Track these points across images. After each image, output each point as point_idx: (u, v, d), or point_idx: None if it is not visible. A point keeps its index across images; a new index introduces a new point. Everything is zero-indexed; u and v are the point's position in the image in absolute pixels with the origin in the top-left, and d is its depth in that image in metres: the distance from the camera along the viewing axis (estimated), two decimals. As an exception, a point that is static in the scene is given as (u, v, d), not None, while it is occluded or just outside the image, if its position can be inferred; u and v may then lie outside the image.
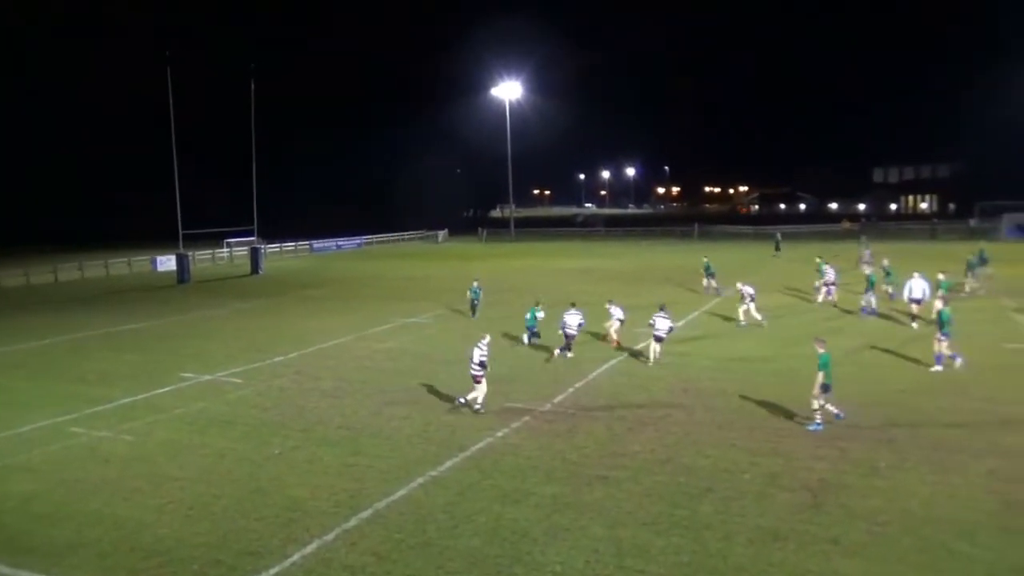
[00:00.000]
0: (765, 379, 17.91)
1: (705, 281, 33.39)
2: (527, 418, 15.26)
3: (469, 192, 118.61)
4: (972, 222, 73.96)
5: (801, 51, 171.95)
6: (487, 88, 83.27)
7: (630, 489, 11.56)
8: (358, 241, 75.03)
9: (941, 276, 24.70)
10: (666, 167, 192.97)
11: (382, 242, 78.32)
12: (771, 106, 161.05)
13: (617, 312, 22.20)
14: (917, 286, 23.74)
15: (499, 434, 14.29)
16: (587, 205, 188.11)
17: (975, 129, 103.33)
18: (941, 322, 18.11)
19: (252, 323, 28.73)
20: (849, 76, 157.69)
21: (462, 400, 15.85)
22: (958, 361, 18.14)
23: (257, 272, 49.26)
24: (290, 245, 66.83)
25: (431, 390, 17.61)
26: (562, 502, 11.20)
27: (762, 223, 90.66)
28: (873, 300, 26.19)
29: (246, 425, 15.41)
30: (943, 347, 18.18)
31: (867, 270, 28.87)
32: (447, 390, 17.46)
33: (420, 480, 12.17)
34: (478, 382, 15.58)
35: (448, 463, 12.86)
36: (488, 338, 15.98)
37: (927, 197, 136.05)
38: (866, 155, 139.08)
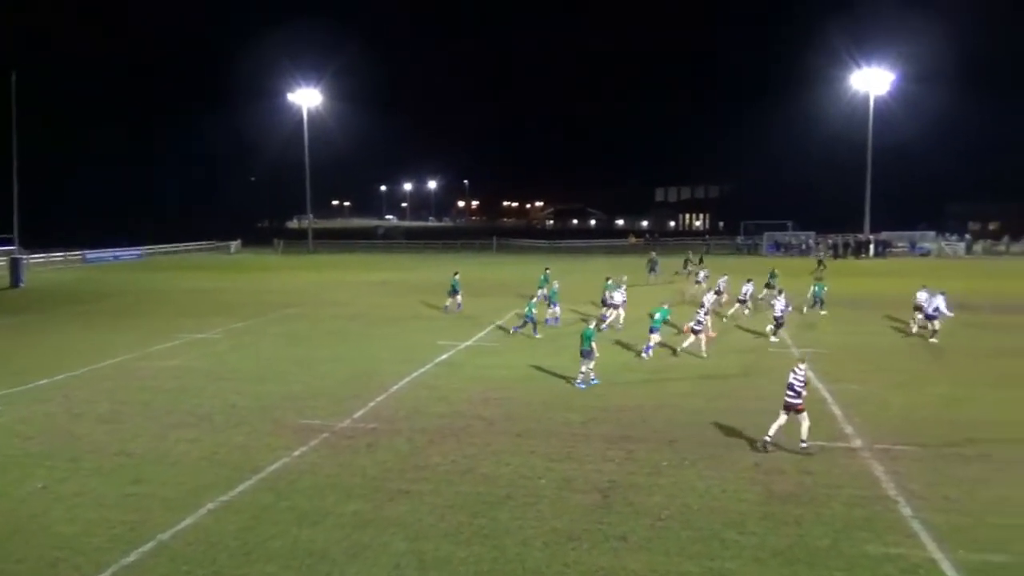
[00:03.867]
0: (562, 387, 18.66)
1: (449, 300, 31.48)
2: (326, 435, 14.85)
3: (265, 201, 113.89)
4: (739, 239, 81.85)
5: (593, 80, 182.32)
6: (284, 93, 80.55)
7: (432, 501, 11.58)
8: (139, 251, 69.47)
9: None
10: (466, 181, 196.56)
11: (167, 252, 73.16)
12: (566, 126, 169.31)
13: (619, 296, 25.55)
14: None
15: (295, 453, 13.78)
16: (388, 217, 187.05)
17: (740, 155, 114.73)
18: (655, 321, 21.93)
19: (11, 342, 25.71)
20: (634, 102, 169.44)
21: (768, 438, 13.73)
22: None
23: (18, 285, 44.11)
24: (58, 255, 60.57)
25: (221, 411, 16.64)
26: (363, 519, 10.99)
27: (556, 237, 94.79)
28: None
29: (3, 457, 13.72)
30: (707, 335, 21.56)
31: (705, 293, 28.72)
32: (239, 410, 16.60)
33: (210, 506, 11.44)
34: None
35: (241, 487, 12.20)
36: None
37: (701, 215, 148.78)
38: (649, 176, 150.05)
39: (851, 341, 24.24)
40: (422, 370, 20.56)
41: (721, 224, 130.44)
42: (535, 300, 25.86)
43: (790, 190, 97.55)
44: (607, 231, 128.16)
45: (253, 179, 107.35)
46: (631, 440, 14.37)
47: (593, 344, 18.37)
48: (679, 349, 22.28)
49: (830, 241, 70.07)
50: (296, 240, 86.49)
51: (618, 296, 27.10)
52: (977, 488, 11.84)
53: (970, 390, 18.01)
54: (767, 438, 13.73)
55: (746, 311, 29.23)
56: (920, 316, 25.75)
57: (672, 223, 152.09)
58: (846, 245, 69.22)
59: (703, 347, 21.84)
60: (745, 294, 28.92)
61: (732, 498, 11.61)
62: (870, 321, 28.60)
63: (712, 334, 22.45)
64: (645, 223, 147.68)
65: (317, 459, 13.52)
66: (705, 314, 22.44)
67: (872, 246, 68.48)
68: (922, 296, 25.90)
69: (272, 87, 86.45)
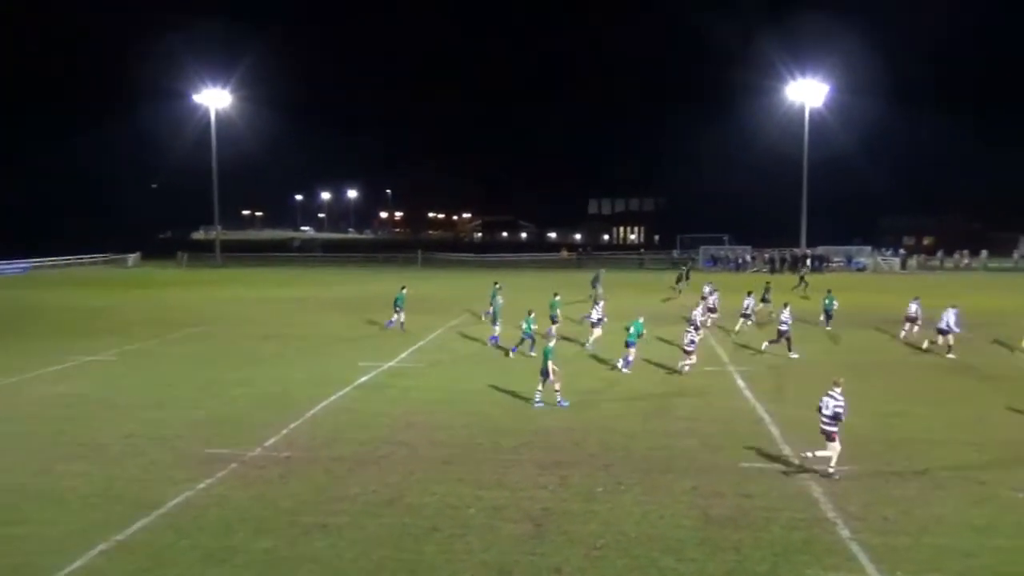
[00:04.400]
0: (491, 410, 18.64)
1: (394, 316, 31.08)
2: (234, 465, 14.45)
3: (167, 211, 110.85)
4: (675, 253, 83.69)
5: (526, 88, 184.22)
6: (189, 94, 78.66)
7: (351, 536, 11.38)
8: (24, 265, 66.58)
9: (557, 297, 29.18)
10: (388, 191, 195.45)
11: (56, 266, 70.34)
12: (495, 135, 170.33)
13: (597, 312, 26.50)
14: (946, 317, 25.48)
15: (200, 486, 13.36)
16: (304, 229, 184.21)
17: (676, 167, 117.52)
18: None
19: None
20: (568, 112, 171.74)
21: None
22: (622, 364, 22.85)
23: None
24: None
25: (115, 441, 16.03)
26: (276, 556, 10.72)
27: (485, 251, 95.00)
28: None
29: None
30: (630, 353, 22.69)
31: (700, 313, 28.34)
32: (135, 439, 16.03)
33: (102, 546, 10.97)
34: (832, 439, 13.66)
35: (137, 524, 11.75)
36: (842, 384, 14.02)
37: (635, 228, 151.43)
38: (582, 187, 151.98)
39: (786, 360, 24.93)
40: (341, 393, 20.25)
41: (657, 238, 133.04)
42: (532, 316, 25.70)
43: (726, 203, 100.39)
44: (539, 244, 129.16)
45: (155, 186, 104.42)
46: (564, 465, 14.44)
47: (551, 363, 18.46)
48: (681, 367, 22.77)
49: (767, 256, 72.20)
50: (202, 253, 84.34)
51: (595, 313, 27.51)
52: (914, 508, 12.31)
53: (906, 407, 18.75)
54: (831, 469, 13.77)
55: (748, 324, 30.56)
56: (910, 326, 27.91)
57: (606, 236, 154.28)
58: (783, 260, 71.44)
59: (688, 366, 22.62)
60: (747, 308, 30.51)
61: (669, 524, 11.78)
62: (808, 339, 29.49)
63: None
64: (578, 236, 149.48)
65: (224, 492, 13.14)
66: (696, 330, 23.33)
67: (809, 261, 70.81)
68: (913, 307, 28.15)
69: (175, 87, 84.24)
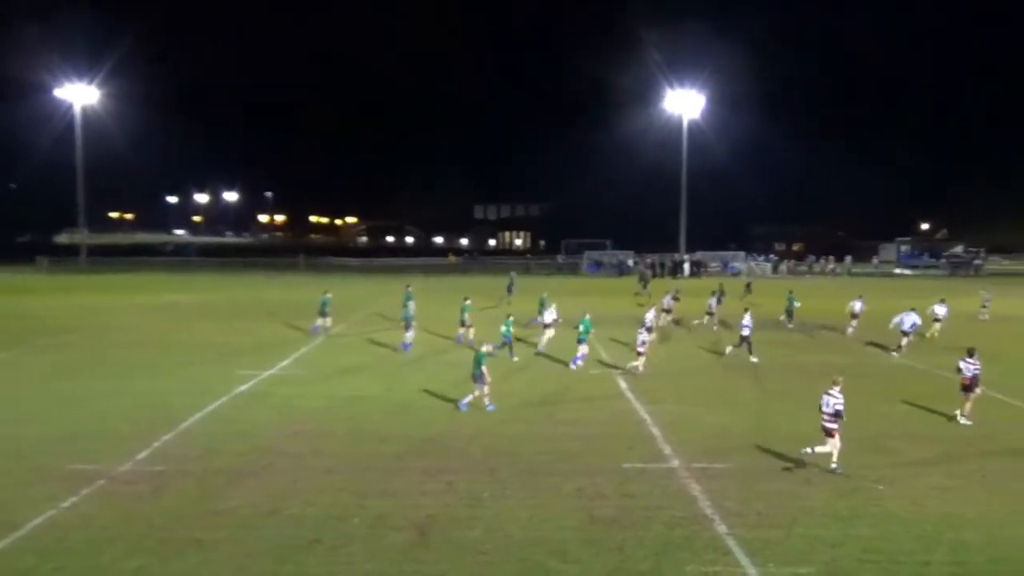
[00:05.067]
0: (377, 417, 18.40)
1: (319, 321, 31.18)
2: (101, 481, 13.69)
3: (27, 212, 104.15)
4: (560, 258, 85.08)
5: (412, 92, 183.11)
6: (50, 89, 74.21)
7: (229, 551, 10.98)
8: None
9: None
10: (269, 193, 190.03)
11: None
12: (381, 138, 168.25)
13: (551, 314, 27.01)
14: (908, 319, 27.61)
15: (64, 505, 12.59)
16: (178, 232, 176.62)
17: (560, 173, 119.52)
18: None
19: None
20: (454, 117, 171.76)
21: (808, 451, 14.38)
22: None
23: None
24: None
25: (-31, 458, 14.91)
26: (147, 575, 10.23)
27: (370, 255, 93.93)
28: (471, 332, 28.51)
29: None
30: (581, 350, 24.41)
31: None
32: (-8, 456, 14.97)
33: (-49, 574, 10.18)
34: (831, 436, 14.23)
35: (-8, 548, 10.96)
36: (841, 382, 14.61)
37: (521, 234, 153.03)
38: (468, 192, 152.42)
39: (668, 361, 25.73)
40: (218, 403, 19.53)
41: (542, 243, 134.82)
42: (512, 319, 26.38)
43: (609, 209, 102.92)
44: (425, 249, 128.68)
45: (13, 186, 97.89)
46: (450, 471, 14.40)
47: (484, 368, 18.54)
48: (632, 367, 23.53)
49: (648, 260, 74.40)
50: (66, 257, 79.61)
51: (548, 315, 27.75)
52: (785, 501, 12.91)
53: (778, 406, 19.66)
54: (833, 465, 14.29)
55: (715, 327, 32.89)
56: (855, 323, 31.46)
57: (492, 241, 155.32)
58: (662, 264, 73.83)
59: (641, 366, 23.31)
60: (711, 307, 33.67)
61: (555, 526, 11.92)
62: (686, 340, 30.56)
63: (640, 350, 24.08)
64: (465, 241, 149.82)
65: (91, 510, 12.43)
66: (648, 331, 24.32)
67: (687, 266, 73.49)
68: (857, 305, 31.76)
69: (35, 81, 79.24)
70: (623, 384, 22.15)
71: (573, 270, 78.07)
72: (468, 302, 29.33)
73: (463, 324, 28.72)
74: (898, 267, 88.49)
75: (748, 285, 45.99)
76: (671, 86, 76.29)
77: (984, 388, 18.55)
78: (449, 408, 19.22)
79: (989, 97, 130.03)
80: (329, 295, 31.58)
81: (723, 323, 33.09)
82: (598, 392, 21.19)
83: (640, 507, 12.68)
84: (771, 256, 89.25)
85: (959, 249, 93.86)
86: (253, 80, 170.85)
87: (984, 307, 36.33)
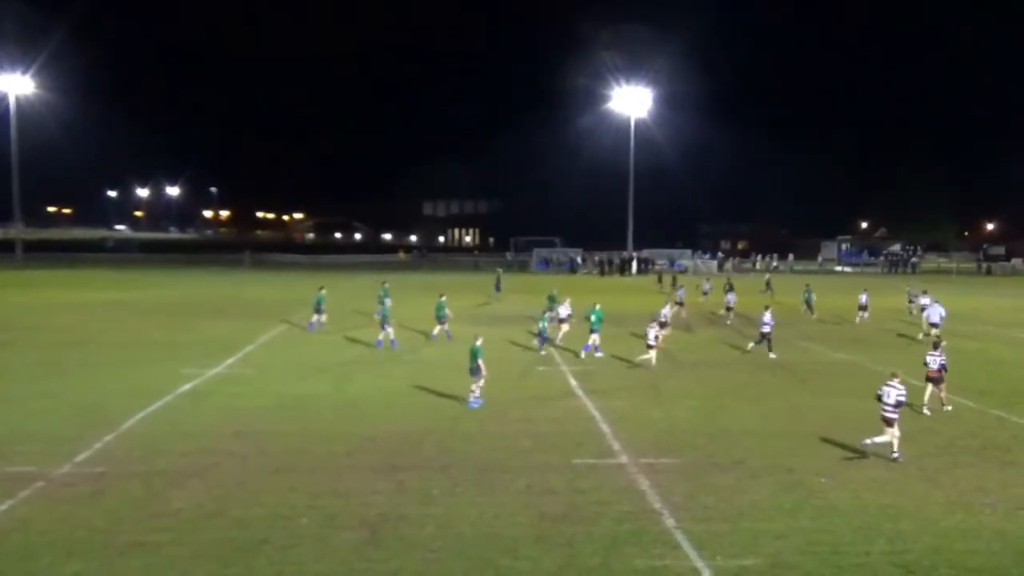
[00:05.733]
0: (326, 415, 18.21)
1: (315, 317, 31.01)
2: (39, 484, 13.29)
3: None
4: (509, 255, 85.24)
5: (359, 86, 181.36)
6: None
7: (173, 553, 10.76)
8: None
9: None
10: (214, 188, 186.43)
11: None
12: (329, 132, 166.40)
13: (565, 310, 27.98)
14: (935, 312, 29.68)
15: (1, 508, 12.20)
16: (119, 227, 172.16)
17: (509, 169, 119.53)
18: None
19: None
20: (402, 111, 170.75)
21: (868, 441, 15.10)
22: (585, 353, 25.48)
23: None
24: None
25: (-103, 461, 14.34)
26: (87, 581, 9.96)
27: (318, 252, 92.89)
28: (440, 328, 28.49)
29: None
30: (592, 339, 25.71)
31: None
32: (-78, 459, 14.42)
33: None
34: (891, 425, 14.90)
35: (-77, 555, 10.57)
36: (900, 376, 15.35)
37: (470, 231, 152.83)
38: (417, 188, 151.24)
39: (619, 358, 25.95)
40: (161, 403, 19.11)
41: (491, 240, 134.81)
42: (548, 315, 27.62)
43: (558, 206, 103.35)
44: (374, 246, 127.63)
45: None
46: (401, 469, 14.32)
47: (480, 361, 18.72)
48: (639, 360, 24.28)
49: (596, 258, 75.00)
50: (1, 253, 77.10)
51: (563, 310, 28.83)
52: (732, 495, 13.14)
53: (724, 402, 19.99)
54: (895, 453, 14.90)
55: (728, 321, 35.24)
56: (864, 314, 34.85)
57: (441, 238, 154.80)
58: (610, 262, 74.46)
59: (653, 360, 23.96)
60: (730, 302, 35.84)
61: (506, 523, 11.95)
62: (635, 338, 30.84)
63: (662, 345, 25.35)
64: (414, 238, 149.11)
65: (28, 513, 12.06)
66: (662, 326, 25.77)
67: (635, 263, 74.23)
68: (863, 297, 35.01)
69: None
70: (573, 382, 22.29)
71: (522, 267, 78.30)
72: (444, 299, 29.52)
73: (439, 321, 28.93)
74: (839, 265, 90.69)
75: (768, 283, 46.80)
76: (619, 84, 76.90)
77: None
78: (400, 406, 19.13)
79: (929, 98, 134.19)
80: (324, 291, 31.69)
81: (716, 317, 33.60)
82: (549, 390, 21.27)
83: (590, 503, 12.77)
84: (718, 254, 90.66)
85: (897, 247, 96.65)
86: (198, 72, 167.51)
87: (912, 303, 37.97)
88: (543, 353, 26.22)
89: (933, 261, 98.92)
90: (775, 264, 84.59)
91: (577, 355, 25.77)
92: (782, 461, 14.93)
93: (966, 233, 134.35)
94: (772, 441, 16.37)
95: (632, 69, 77.84)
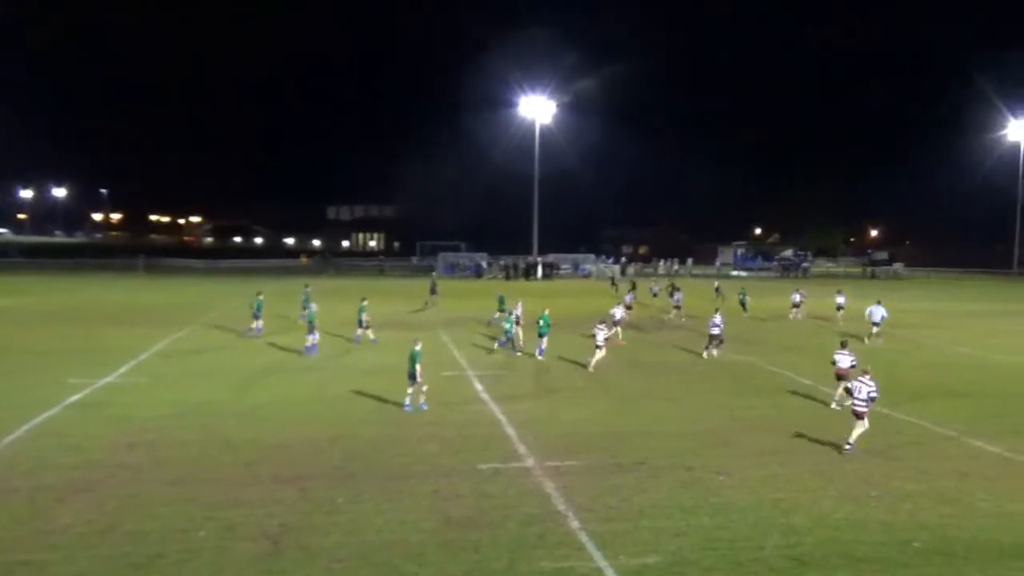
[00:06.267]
0: (226, 424, 17.68)
1: (254, 323, 30.91)
2: (-89, 504, 12.45)
3: None
4: (414, 260, 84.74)
5: (260, 87, 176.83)
6: None
7: (61, 571, 10.25)
8: None
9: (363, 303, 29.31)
10: (104, 190, 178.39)
11: None
12: (227, 133, 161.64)
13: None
14: (876, 312, 31.98)
15: None
16: (0, 230, 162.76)
17: (415, 173, 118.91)
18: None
19: None
20: (305, 114, 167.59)
21: (849, 445, 15.88)
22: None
23: None
24: None
25: None
26: (-35, 605, 9.39)
27: (216, 256, 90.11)
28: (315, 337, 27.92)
29: None
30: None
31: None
32: None
33: None
34: (861, 418, 15.89)
35: None
36: (871, 371, 16.38)
37: (375, 235, 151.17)
38: (320, 192, 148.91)
39: (525, 361, 26.16)
40: (47, 415, 18.16)
41: (397, 244, 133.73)
42: (514, 316, 28.08)
43: (464, 211, 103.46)
44: (275, 250, 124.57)
45: None
46: (305, 478, 14.05)
47: (418, 366, 18.74)
48: (590, 364, 24.78)
49: (502, 263, 75.37)
50: None
51: (516, 311, 28.91)
52: (634, 495, 13.42)
53: (627, 404, 20.40)
54: (848, 445, 15.86)
55: (683, 319, 37.43)
56: (839, 314, 37.18)
57: (346, 242, 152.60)
58: (516, 266, 74.96)
59: (594, 361, 24.67)
60: (677, 301, 38.45)
61: (411, 529, 11.87)
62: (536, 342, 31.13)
63: (621, 342, 27.76)
64: (316, 242, 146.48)
65: None
66: (609, 327, 26.74)
67: (540, 268, 74.97)
68: (840, 299, 37.71)
69: None
70: (479, 386, 22.33)
71: (428, 272, 77.94)
72: (366, 303, 29.39)
73: (361, 325, 28.93)
74: (735, 269, 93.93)
75: (718, 288, 47.81)
76: (524, 91, 77.59)
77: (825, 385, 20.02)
78: (306, 413, 18.76)
79: (815, 107, 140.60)
80: (262, 297, 31.36)
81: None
82: (455, 395, 21.22)
83: (495, 506, 12.82)
84: (620, 258, 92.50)
85: (789, 252, 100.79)
86: (87, 69, 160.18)
87: (797, 305, 40.93)
88: (518, 354, 27.28)
89: (822, 266, 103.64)
90: (676, 268, 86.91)
91: (531, 356, 26.75)
92: (683, 460, 15.34)
93: (852, 239, 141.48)
94: (674, 441, 16.80)
95: (538, 75, 78.72)
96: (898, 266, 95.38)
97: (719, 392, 21.96)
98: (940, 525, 12.27)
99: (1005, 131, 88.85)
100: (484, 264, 76.42)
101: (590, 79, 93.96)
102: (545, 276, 73.86)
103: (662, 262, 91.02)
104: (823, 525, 12.26)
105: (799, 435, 17.23)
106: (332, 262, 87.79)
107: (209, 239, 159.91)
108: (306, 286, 32.19)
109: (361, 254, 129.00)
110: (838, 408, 19.47)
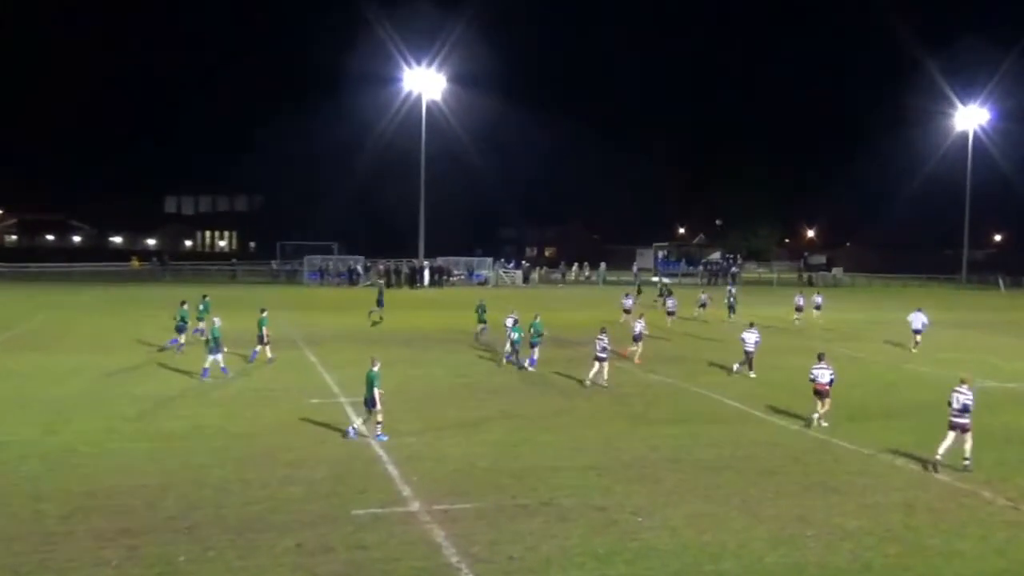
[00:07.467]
0: (31, 468, 16.84)
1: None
2: None
3: None
4: (274, 264, 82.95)
5: (77, 60, 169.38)
6: None
7: None
8: None
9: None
10: None
11: None
12: (37, 112, 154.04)
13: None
14: (917, 319, 35.88)
15: None
16: None
17: (275, 160, 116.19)
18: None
19: None
20: (141, 87, 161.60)
21: (965, 462, 17.30)
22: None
23: None
24: None
25: None
26: None
27: (23, 259, 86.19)
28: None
29: None
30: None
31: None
32: None
33: None
34: (966, 431, 17.24)
35: None
36: (968, 380, 17.73)
37: (226, 233, 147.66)
38: (156, 181, 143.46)
39: (408, 385, 25.95)
40: None
41: (252, 245, 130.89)
42: (516, 323, 29.54)
43: (335, 207, 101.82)
44: (99, 251, 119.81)
45: None
46: (133, 533, 13.54)
47: (377, 390, 19.05)
48: (601, 380, 26.09)
49: (381, 267, 74.73)
50: None
51: (509, 320, 30.19)
52: (539, 542, 13.48)
53: (526, 435, 20.50)
54: (938, 458, 17.39)
55: (669, 322, 41.70)
56: (799, 316, 43.45)
57: (189, 242, 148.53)
58: (398, 271, 74.48)
59: (605, 375, 26.28)
60: (670, 306, 43.38)
61: (269, 590, 11.59)
62: (427, 362, 31.03)
63: (639, 360, 30.50)
64: (152, 241, 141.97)
65: None
66: (635, 341, 30.68)
67: (427, 273, 74.65)
68: (817, 299, 44.48)
69: None
70: (354, 416, 22.02)
71: (291, 278, 76.61)
72: (265, 315, 29.09)
73: (261, 340, 28.92)
74: (656, 275, 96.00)
75: (703, 303, 48.29)
76: (409, 65, 77.05)
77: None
78: (132, 452, 18.08)
79: (747, 99, 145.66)
80: (187, 306, 32.00)
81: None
82: (326, 427, 20.87)
83: (374, 560, 12.67)
84: (523, 263, 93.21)
85: (716, 256, 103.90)
86: None
87: (702, 308, 46.50)
88: (531, 368, 28.87)
89: (754, 271, 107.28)
90: (587, 274, 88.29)
91: (520, 368, 28.92)
92: (594, 499, 15.54)
93: (786, 240, 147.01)
94: (583, 476, 17.00)
95: (422, 50, 78.08)
96: (837, 271, 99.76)
97: (636, 419, 22.33)
98: (885, 567, 12.82)
99: (952, 119, 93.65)
100: (360, 269, 75.56)
101: (486, 49, 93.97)
102: (433, 283, 73.65)
103: (574, 266, 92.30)
104: (754, 571, 12.61)
105: (726, 467, 17.71)
106: (170, 266, 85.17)
107: (12, 237, 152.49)
108: (204, 296, 31.99)
109: (208, 256, 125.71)
110: (815, 426, 21.02)
